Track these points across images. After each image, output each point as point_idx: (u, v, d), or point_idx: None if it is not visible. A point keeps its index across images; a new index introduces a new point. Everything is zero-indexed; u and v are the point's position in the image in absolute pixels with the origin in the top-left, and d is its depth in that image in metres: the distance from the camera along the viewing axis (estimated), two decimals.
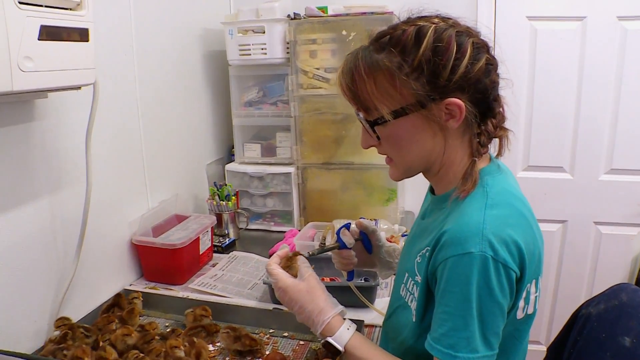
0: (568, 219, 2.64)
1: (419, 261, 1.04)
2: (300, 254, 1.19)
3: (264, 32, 2.25)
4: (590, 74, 2.42)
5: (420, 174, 1.10)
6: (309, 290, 1.11)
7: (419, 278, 1.03)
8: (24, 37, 1.05)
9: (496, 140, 1.06)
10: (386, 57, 0.95)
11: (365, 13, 2.21)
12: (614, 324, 1.06)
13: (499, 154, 1.08)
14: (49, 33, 1.11)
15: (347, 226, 1.36)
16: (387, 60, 0.95)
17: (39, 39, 1.09)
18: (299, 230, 2.26)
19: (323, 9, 2.31)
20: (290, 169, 2.37)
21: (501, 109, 1.06)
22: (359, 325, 1.42)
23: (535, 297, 0.99)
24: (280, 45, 2.26)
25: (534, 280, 0.97)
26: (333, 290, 1.63)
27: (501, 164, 1.10)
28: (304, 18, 2.27)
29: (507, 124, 1.08)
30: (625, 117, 2.43)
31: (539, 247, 0.98)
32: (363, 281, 1.67)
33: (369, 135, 1.04)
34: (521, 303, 0.96)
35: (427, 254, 0.99)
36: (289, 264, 1.18)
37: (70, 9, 1.20)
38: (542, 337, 2.82)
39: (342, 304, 1.57)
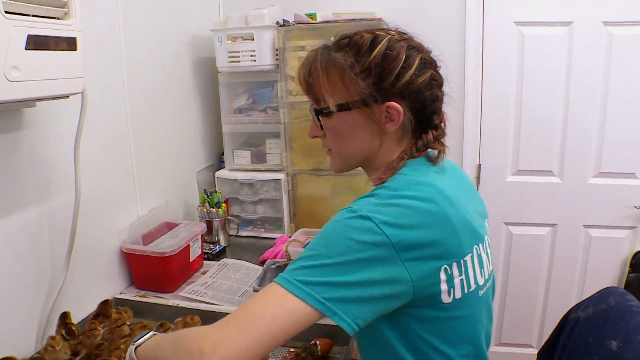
0: (557, 222, 2.66)
1: None
2: None
3: (253, 39, 2.25)
4: (578, 78, 2.44)
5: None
6: None
7: None
8: (10, 47, 1.05)
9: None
10: (342, 56, 1.06)
11: (354, 20, 2.21)
12: (602, 328, 1.07)
13: (434, 163, 1.10)
14: (36, 42, 1.11)
15: None
16: (342, 58, 1.05)
17: (26, 49, 1.09)
18: (290, 237, 2.25)
19: (312, 16, 2.32)
20: (280, 176, 2.38)
21: (442, 124, 1.14)
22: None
23: (461, 280, 1.01)
24: (269, 52, 2.27)
25: (454, 263, 0.98)
26: None
27: (447, 161, 1.14)
28: (293, 25, 2.28)
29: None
30: (612, 121, 2.45)
31: (454, 234, 0.98)
32: None
33: (315, 125, 1.15)
34: (443, 286, 0.97)
35: None
36: None
37: (58, 18, 1.20)
38: (533, 340, 2.84)
39: None
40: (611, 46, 2.37)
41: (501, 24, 2.47)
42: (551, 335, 1.24)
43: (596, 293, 1.17)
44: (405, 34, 1.10)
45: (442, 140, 1.13)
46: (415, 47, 1.07)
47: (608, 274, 2.64)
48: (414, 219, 0.94)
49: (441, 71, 1.12)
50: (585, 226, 2.63)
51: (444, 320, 1.01)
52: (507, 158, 2.61)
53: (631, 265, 2.57)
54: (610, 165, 2.52)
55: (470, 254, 1.02)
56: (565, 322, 1.20)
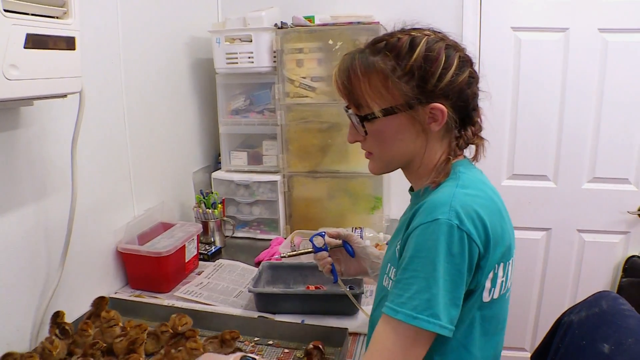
0: (552, 226, 2.67)
1: (398, 248, 1.08)
2: None
3: (251, 41, 2.26)
4: (573, 84, 2.46)
5: (399, 174, 1.19)
6: None
7: None
8: (9, 45, 1.05)
9: (473, 148, 1.15)
10: (381, 60, 1.04)
11: (351, 23, 2.23)
12: (594, 331, 1.08)
13: (475, 159, 1.16)
14: (35, 41, 1.12)
15: (322, 234, 1.46)
16: (382, 62, 1.04)
17: (24, 47, 1.09)
18: (285, 238, 2.26)
19: (310, 19, 2.33)
20: (277, 177, 2.38)
21: (479, 119, 1.15)
22: (343, 333, 1.43)
23: (502, 281, 1.04)
24: (267, 54, 2.27)
25: (502, 264, 1.02)
26: (318, 298, 1.65)
27: (476, 167, 1.17)
28: (291, 27, 2.28)
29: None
30: (607, 127, 2.47)
31: (508, 233, 1.04)
32: (348, 289, 1.67)
33: (356, 130, 1.12)
34: (487, 284, 1.01)
35: (405, 237, 1.04)
36: None
37: (57, 18, 1.20)
38: (526, 343, 2.84)
39: (327, 313, 1.61)
40: (606, 53, 2.39)
41: (498, 29, 2.48)
42: (544, 338, 1.25)
43: (589, 297, 1.18)
44: (440, 32, 1.09)
45: (479, 134, 1.14)
46: (452, 46, 1.06)
47: (601, 278, 2.65)
48: (490, 218, 0.97)
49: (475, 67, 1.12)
50: (579, 231, 2.64)
51: (477, 319, 1.03)
52: (503, 162, 2.63)
53: (624, 270, 2.58)
54: (605, 171, 2.53)
55: (512, 257, 1.06)
56: (559, 326, 1.21)
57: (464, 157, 1.15)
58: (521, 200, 2.64)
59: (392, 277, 1.11)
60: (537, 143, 2.57)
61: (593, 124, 2.49)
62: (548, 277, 2.74)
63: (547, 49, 2.45)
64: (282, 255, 1.57)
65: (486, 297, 1.02)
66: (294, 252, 1.54)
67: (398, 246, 1.08)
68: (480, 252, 0.95)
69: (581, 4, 2.37)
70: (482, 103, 1.15)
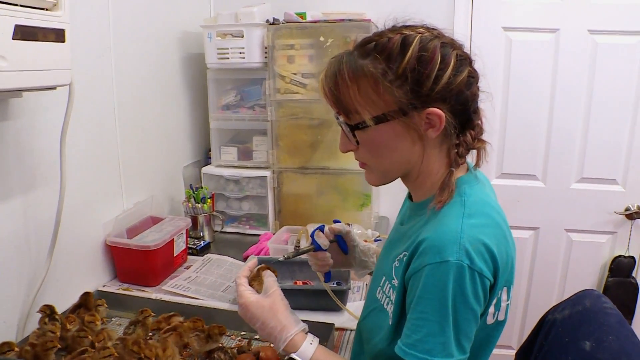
0: (540, 226, 2.69)
1: (396, 265, 1.04)
2: (268, 268, 1.19)
3: (242, 37, 2.26)
4: (563, 84, 2.47)
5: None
6: (272, 307, 1.09)
7: (396, 282, 1.04)
8: None
9: (474, 152, 1.07)
10: (371, 63, 0.96)
11: (343, 20, 2.23)
12: (577, 329, 1.09)
13: (477, 165, 1.08)
14: (23, 33, 1.11)
15: (321, 228, 1.37)
16: (372, 66, 0.95)
17: (13, 39, 1.09)
18: (274, 234, 2.26)
19: (301, 15, 2.33)
20: (266, 173, 2.38)
21: (480, 121, 1.07)
22: (329, 328, 1.43)
23: (507, 304, 1.01)
24: (258, 49, 2.27)
25: (505, 288, 0.99)
26: (306, 294, 1.66)
27: (479, 173, 1.11)
28: (283, 23, 2.29)
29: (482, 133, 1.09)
30: (595, 128, 2.49)
31: (511, 256, 1.00)
32: (335, 285, 1.68)
33: (348, 139, 1.04)
34: (491, 309, 0.98)
35: (405, 259, 1.00)
36: (255, 277, 1.18)
37: (47, 9, 1.20)
38: (513, 342, 2.86)
39: (314, 308, 1.61)
40: (596, 54, 2.40)
41: (489, 29, 2.49)
42: (529, 336, 1.26)
43: (573, 295, 1.19)
44: (435, 29, 1.00)
45: (480, 137, 1.06)
46: (448, 44, 0.98)
47: (588, 277, 2.67)
48: (498, 248, 0.94)
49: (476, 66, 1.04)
50: (567, 230, 2.66)
51: (479, 338, 1.00)
52: (492, 161, 2.63)
53: (610, 269, 2.61)
54: (593, 171, 2.55)
55: (514, 278, 1.04)
56: (543, 323, 1.22)
57: (467, 167, 1.09)
58: (510, 199, 2.65)
59: (386, 292, 1.08)
60: (526, 143, 2.59)
61: (582, 124, 2.50)
62: (536, 276, 2.75)
63: (538, 50, 2.47)
64: (285, 256, 1.38)
65: (490, 320, 1.00)
66: (297, 253, 1.37)
67: (396, 263, 1.04)
68: (491, 282, 0.93)
69: (572, 5, 2.39)
70: (481, 104, 1.09)
